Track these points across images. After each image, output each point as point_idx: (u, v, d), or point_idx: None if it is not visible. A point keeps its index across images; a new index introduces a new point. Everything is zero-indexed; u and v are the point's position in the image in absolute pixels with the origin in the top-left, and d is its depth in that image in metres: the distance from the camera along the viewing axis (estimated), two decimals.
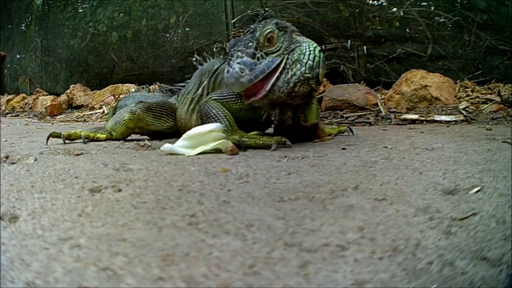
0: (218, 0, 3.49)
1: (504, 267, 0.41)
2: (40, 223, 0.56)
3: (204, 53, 1.82)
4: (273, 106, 1.21)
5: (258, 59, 1.15)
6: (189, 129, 1.57)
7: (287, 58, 1.19)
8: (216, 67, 1.61)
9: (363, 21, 2.89)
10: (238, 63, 1.12)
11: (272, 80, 1.15)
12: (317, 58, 1.22)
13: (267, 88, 1.14)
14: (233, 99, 1.33)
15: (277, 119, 1.23)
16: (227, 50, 1.20)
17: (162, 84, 2.28)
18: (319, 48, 1.25)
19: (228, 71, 1.13)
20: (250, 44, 1.16)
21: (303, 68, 1.19)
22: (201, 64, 1.77)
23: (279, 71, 1.16)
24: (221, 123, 1.27)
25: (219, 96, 1.35)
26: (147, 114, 1.60)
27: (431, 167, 0.87)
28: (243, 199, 0.66)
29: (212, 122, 1.29)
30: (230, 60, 1.15)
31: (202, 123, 1.33)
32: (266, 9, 1.36)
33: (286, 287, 0.38)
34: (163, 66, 3.87)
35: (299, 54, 1.20)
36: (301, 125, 1.34)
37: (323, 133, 1.40)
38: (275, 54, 1.18)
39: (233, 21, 3.22)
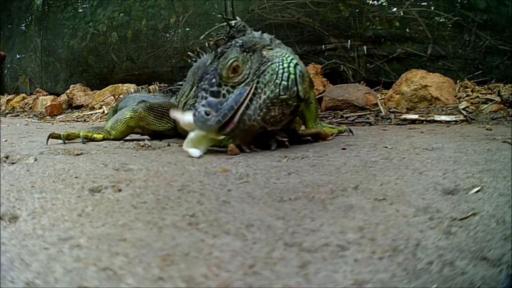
0: (218, 0, 3.49)
1: (504, 267, 0.41)
2: (40, 223, 0.56)
3: (198, 48, 1.80)
4: (248, 136, 1.12)
5: (224, 95, 1.07)
6: (184, 132, 1.56)
7: (258, 82, 1.10)
8: (201, 64, 1.56)
9: (363, 21, 2.89)
10: (203, 105, 1.05)
11: (240, 111, 1.06)
12: (292, 76, 1.11)
13: (235, 120, 1.06)
14: None
15: (254, 148, 1.15)
16: (196, 83, 1.14)
17: (161, 84, 2.27)
18: (295, 61, 1.14)
19: (194, 114, 1.07)
20: (214, 80, 1.08)
21: (277, 90, 1.09)
22: (196, 61, 1.76)
23: (248, 99, 1.07)
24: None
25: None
26: (149, 113, 1.60)
27: (431, 167, 0.87)
28: (243, 199, 0.66)
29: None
30: (195, 101, 1.10)
31: None
32: (236, 21, 1.26)
33: (286, 287, 0.38)
34: (163, 66, 3.86)
35: (271, 74, 1.11)
36: (300, 135, 1.30)
37: (325, 135, 1.39)
38: (243, 84, 1.09)
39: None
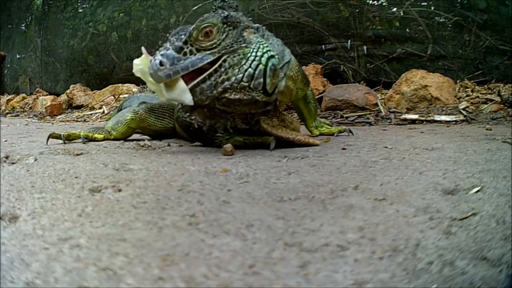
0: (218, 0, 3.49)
1: (504, 267, 0.41)
2: (40, 223, 0.56)
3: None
4: (194, 109, 1.10)
5: (185, 54, 1.04)
6: (181, 132, 1.54)
7: (225, 60, 1.06)
8: None
9: (363, 21, 2.89)
10: (161, 55, 1.02)
11: (196, 81, 1.04)
12: (261, 67, 1.07)
13: (188, 86, 1.03)
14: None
15: (198, 123, 1.13)
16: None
17: None
18: (271, 53, 1.10)
19: (150, 61, 1.04)
20: (182, 36, 1.06)
21: (240, 75, 1.06)
22: None
23: (208, 71, 1.05)
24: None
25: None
26: (150, 114, 1.60)
27: (431, 167, 0.87)
28: (243, 199, 0.66)
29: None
30: (158, 50, 1.06)
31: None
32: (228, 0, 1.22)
33: (286, 287, 0.38)
34: None
35: (241, 58, 1.07)
36: (271, 133, 1.22)
37: (305, 143, 1.26)
38: (209, 52, 1.05)
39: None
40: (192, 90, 1.03)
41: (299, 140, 1.24)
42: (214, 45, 1.06)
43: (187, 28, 1.08)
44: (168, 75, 1.01)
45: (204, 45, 1.06)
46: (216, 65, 1.05)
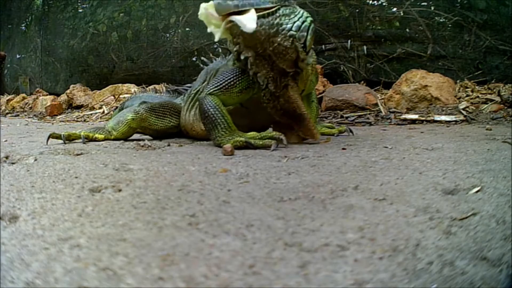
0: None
1: (504, 267, 0.41)
2: (40, 223, 0.56)
3: (211, 54, 1.83)
4: (249, 47, 1.21)
5: None
6: (188, 126, 1.59)
7: (279, 9, 1.19)
8: (221, 64, 1.60)
9: (363, 21, 2.89)
10: None
11: (260, 13, 1.14)
12: (306, 24, 1.23)
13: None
14: (231, 82, 1.32)
15: (258, 70, 1.23)
16: None
17: (168, 85, 2.30)
18: (311, 19, 1.26)
19: None
20: None
21: (290, 25, 1.20)
22: (207, 65, 1.78)
23: (269, 10, 1.17)
24: (218, 126, 1.28)
25: (216, 86, 1.32)
26: (150, 114, 1.61)
27: (431, 167, 0.87)
28: (243, 199, 0.66)
29: (209, 123, 1.29)
30: None
31: (202, 122, 1.33)
32: None
33: (286, 287, 0.38)
34: (163, 66, 3.86)
35: (292, 12, 1.22)
36: (291, 98, 1.29)
37: (313, 130, 1.32)
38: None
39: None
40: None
41: (309, 123, 1.31)
42: None
43: None
44: (235, 5, 1.12)
45: None
46: (273, 9, 1.18)
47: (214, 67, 1.65)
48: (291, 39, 1.20)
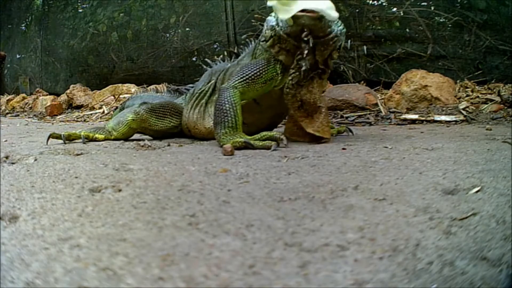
0: (218, 0, 3.49)
1: (504, 267, 0.41)
2: (40, 223, 0.56)
3: (215, 57, 1.85)
4: (314, 35, 1.28)
5: None
6: (191, 124, 1.60)
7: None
8: (228, 66, 1.63)
9: (363, 21, 2.88)
10: None
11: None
12: (344, 31, 1.39)
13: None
14: (258, 73, 1.35)
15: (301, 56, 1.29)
16: None
17: (170, 85, 2.30)
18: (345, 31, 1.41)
19: None
20: None
21: (337, 27, 1.34)
22: (211, 67, 1.79)
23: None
24: (226, 123, 1.29)
25: (242, 78, 1.35)
26: (151, 115, 1.62)
27: (431, 167, 0.87)
28: (243, 199, 0.66)
29: (220, 116, 1.31)
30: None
31: (215, 112, 1.35)
32: None
33: (286, 287, 0.38)
34: (163, 66, 3.86)
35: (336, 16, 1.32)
36: (313, 89, 1.35)
37: (326, 127, 1.36)
38: None
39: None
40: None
41: (324, 118, 1.36)
42: None
43: None
44: None
45: None
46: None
47: (220, 68, 1.68)
48: (336, 38, 1.33)
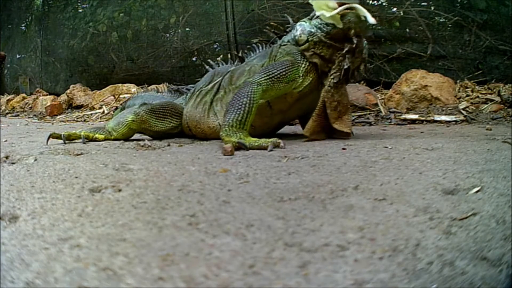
0: (218, 0, 3.49)
1: (504, 267, 0.41)
2: (40, 223, 0.56)
3: (218, 59, 1.86)
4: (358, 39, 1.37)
5: None
6: (193, 123, 1.60)
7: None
8: (232, 68, 1.66)
9: None
10: None
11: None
12: (367, 45, 1.46)
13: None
14: (283, 72, 1.39)
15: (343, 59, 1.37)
16: None
17: (170, 85, 2.31)
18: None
19: None
20: None
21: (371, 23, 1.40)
22: (213, 68, 1.81)
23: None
24: (238, 116, 1.30)
25: (268, 75, 1.38)
26: (151, 116, 1.62)
27: (431, 167, 0.87)
28: (243, 199, 0.66)
29: (234, 106, 1.32)
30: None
31: (231, 102, 1.37)
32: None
33: (286, 287, 0.38)
34: (163, 66, 3.86)
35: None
36: (340, 89, 1.42)
37: (351, 126, 1.46)
38: None
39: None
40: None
41: (350, 118, 1.47)
42: None
43: None
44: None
45: None
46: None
47: (223, 70, 1.70)
48: (365, 48, 1.43)
